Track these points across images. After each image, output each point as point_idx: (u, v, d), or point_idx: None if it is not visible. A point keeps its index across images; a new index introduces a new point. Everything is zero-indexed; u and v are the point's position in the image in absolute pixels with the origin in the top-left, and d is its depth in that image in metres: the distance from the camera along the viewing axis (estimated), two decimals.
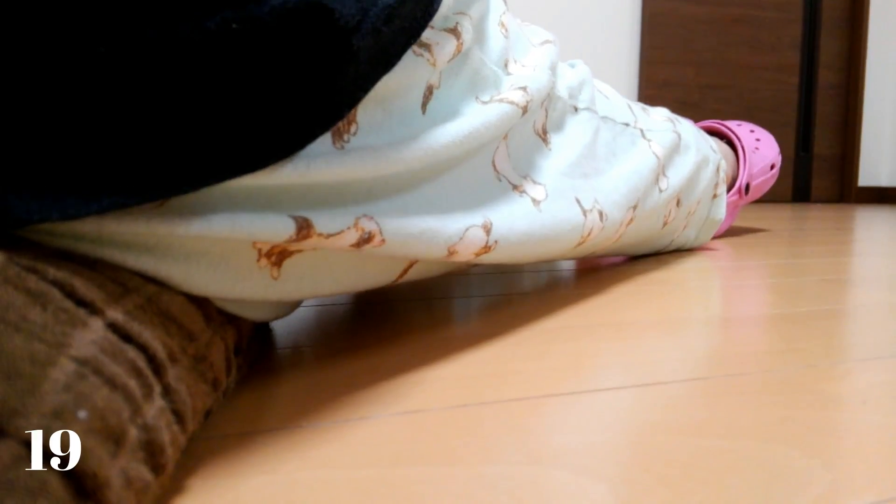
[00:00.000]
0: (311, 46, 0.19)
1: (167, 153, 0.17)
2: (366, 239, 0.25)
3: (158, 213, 0.19)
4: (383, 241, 0.25)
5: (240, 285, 0.23)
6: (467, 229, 0.30)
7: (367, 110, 0.25)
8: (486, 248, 0.32)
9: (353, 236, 0.24)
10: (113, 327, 0.16)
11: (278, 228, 0.21)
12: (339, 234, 0.23)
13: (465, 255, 0.30)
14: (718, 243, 0.85)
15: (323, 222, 0.23)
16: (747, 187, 0.87)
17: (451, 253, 0.29)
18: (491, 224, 0.31)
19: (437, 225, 0.28)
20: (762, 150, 0.90)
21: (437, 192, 0.29)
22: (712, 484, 0.19)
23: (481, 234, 0.31)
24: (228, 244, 0.22)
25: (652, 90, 2.32)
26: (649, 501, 0.18)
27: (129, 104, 0.17)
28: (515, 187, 0.35)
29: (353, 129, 0.24)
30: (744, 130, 0.91)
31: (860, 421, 0.24)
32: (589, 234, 0.41)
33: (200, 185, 0.18)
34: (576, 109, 0.44)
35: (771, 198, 2.54)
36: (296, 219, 0.22)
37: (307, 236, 0.22)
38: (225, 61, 0.18)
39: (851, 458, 0.21)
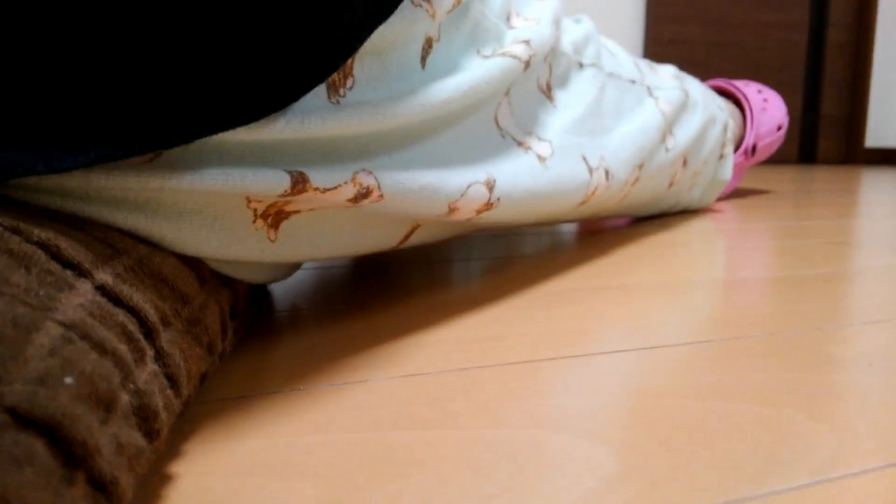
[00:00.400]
0: None
1: (157, 104, 0.17)
2: (363, 194, 0.24)
3: (149, 167, 0.18)
4: (381, 196, 0.25)
5: (235, 246, 0.22)
6: (469, 185, 0.29)
7: (364, 63, 0.24)
8: (489, 206, 0.31)
9: (350, 191, 0.23)
10: (102, 290, 0.16)
11: (272, 182, 0.21)
12: (335, 188, 0.23)
13: (466, 212, 0.30)
14: (723, 205, 0.84)
15: (319, 177, 0.22)
16: (754, 148, 0.85)
17: (451, 210, 0.29)
18: (494, 180, 0.31)
19: (438, 180, 0.27)
20: (769, 110, 0.89)
21: (438, 148, 0.28)
22: (716, 448, 0.19)
23: (483, 190, 0.30)
24: (222, 202, 0.21)
25: (658, 48, 2.28)
26: (652, 465, 0.18)
27: (117, 53, 0.16)
28: (520, 143, 0.34)
29: (349, 83, 0.23)
30: (751, 90, 0.90)
31: (866, 384, 0.24)
32: (594, 193, 0.41)
33: (192, 138, 0.18)
34: (581, 65, 0.43)
35: (776, 159, 2.52)
36: (291, 173, 0.21)
37: (303, 190, 0.22)
38: (214, 7, 0.17)
39: (857, 422, 0.21)
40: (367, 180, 0.24)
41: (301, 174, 0.21)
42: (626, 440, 0.20)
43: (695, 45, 2.32)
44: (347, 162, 0.24)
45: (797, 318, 0.32)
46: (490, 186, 0.30)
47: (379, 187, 0.24)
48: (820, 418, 0.21)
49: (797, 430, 0.20)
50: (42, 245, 0.15)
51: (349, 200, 0.24)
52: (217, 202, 0.21)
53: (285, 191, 0.21)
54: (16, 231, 0.15)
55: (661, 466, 0.18)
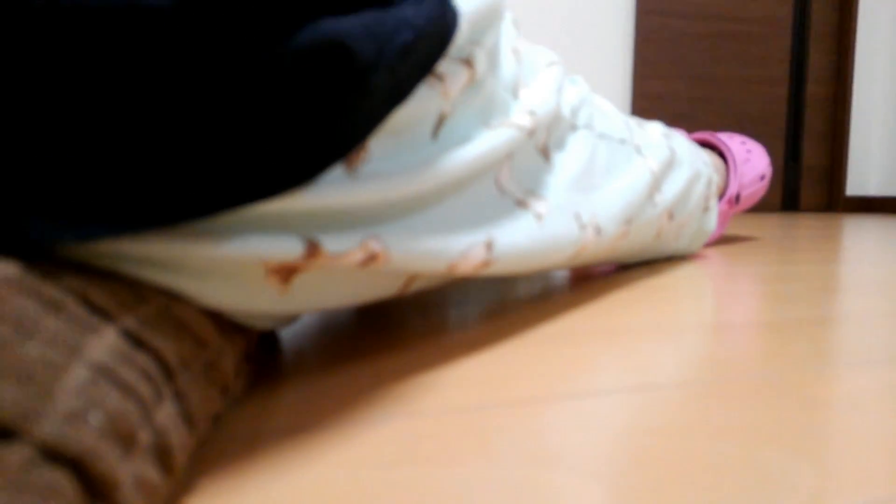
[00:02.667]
0: (329, 84, 0.19)
1: (183, 180, 0.17)
2: (371, 258, 0.25)
3: (171, 236, 0.19)
4: (389, 260, 0.25)
5: (249, 301, 0.23)
6: (469, 247, 0.30)
7: (380, 140, 0.25)
8: (486, 264, 0.32)
9: (359, 256, 0.24)
10: (126, 334, 0.16)
11: (288, 249, 0.21)
12: (346, 254, 0.24)
13: (464, 270, 0.31)
14: (709, 251, 0.85)
15: (330, 243, 0.23)
16: (738, 197, 0.87)
17: (452, 269, 0.29)
18: (493, 241, 0.31)
19: (441, 244, 0.28)
20: (752, 161, 0.90)
21: (443, 213, 0.29)
22: (704, 485, 0.19)
23: (482, 250, 0.31)
24: (239, 263, 0.22)
25: (645, 103, 2.33)
26: (643, 502, 0.18)
27: (149, 134, 0.17)
28: (519, 202, 0.35)
29: (365, 156, 0.24)
30: (735, 142, 0.92)
31: (849, 425, 0.24)
32: (584, 248, 0.42)
33: (214, 212, 0.18)
34: (574, 127, 0.44)
35: (761, 207, 2.54)
36: (304, 240, 0.22)
37: (315, 256, 0.23)
38: (243, 100, 0.18)
39: (840, 461, 0.21)
40: (375, 246, 0.25)
41: (313, 243, 0.22)
42: (619, 477, 0.20)
43: (680, 99, 2.38)
44: (358, 228, 0.24)
45: (782, 361, 0.33)
46: (489, 246, 0.31)
47: (386, 252, 0.25)
48: (803, 457, 0.21)
49: (782, 468, 0.21)
50: (72, 292, 0.16)
51: (358, 264, 0.25)
52: (234, 262, 0.22)
53: (299, 257, 0.22)
54: (48, 279, 0.16)
55: (653, 502, 0.18)
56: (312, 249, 0.22)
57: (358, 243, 0.24)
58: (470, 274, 0.32)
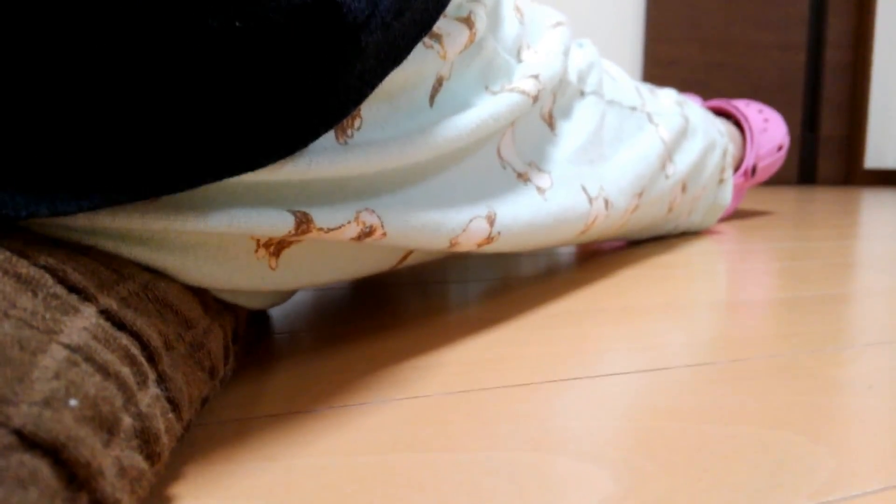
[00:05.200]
0: (318, 43, 0.19)
1: (163, 149, 0.17)
2: (367, 233, 0.24)
3: (153, 209, 0.19)
4: (384, 234, 0.25)
5: (237, 276, 0.22)
6: (470, 221, 0.29)
7: (373, 105, 0.24)
8: (489, 239, 0.31)
9: (353, 230, 0.24)
10: (106, 314, 0.16)
11: (277, 223, 0.21)
12: (339, 228, 0.23)
13: (467, 246, 0.30)
14: (724, 226, 0.85)
15: (322, 217, 0.22)
16: (754, 169, 0.86)
17: (453, 245, 0.29)
18: (495, 214, 0.31)
19: (440, 217, 0.27)
20: (770, 130, 0.89)
21: (442, 184, 0.28)
22: (716, 471, 0.19)
23: (484, 225, 0.30)
24: (226, 237, 0.21)
25: (656, 69, 2.30)
26: (652, 488, 0.18)
27: (124, 99, 0.16)
28: (520, 175, 0.34)
29: (357, 123, 0.23)
30: (752, 110, 0.90)
31: (866, 406, 0.24)
32: (594, 222, 0.41)
33: (196, 184, 0.18)
34: (582, 94, 0.43)
35: (776, 180, 2.53)
36: (295, 213, 0.22)
37: (307, 231, 0.22)
38: (227, 59, 0.17)
39: (857, 445, 0.21)
40: (370, 219, 0.24)
41: (305, 214, 0.22)
42: (626, 462, 0.20)
43: (694, 65, 2.35)
44: (351, 201, 0.24)
45: (798, 340, 0.33)
46: (491, 220, 0.31)
47: (382, 226, 0.25)
48: (820, 440, 0.21)
49: (797, 452, 0.21)
50: (49, 270, 0.15)
51: (353, 239, 0.24)
52: (220, 236, 0.21)
53: (289, 231, 0.21)
54: (23, 255, 0.15)
55: (661, 489, 0.18)
56: (303, 223, 0.22)
57: (352, 216, 0.23)
58: (472, 250, 0.32)
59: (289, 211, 0.21)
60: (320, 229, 0.22)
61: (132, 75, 0.16)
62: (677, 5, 2.30)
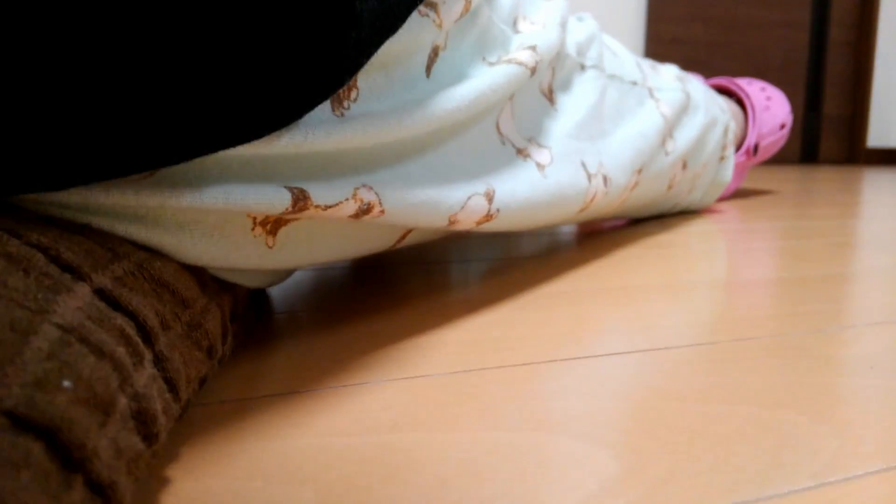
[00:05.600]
0: (312, 11, 0.18)
1: (157, 121, 0.17)
2: (365, 210, 0.24)
3: (148, 185, 0.18)
4: (383, 211, 0.25)
5: (234, 254, 0.22)
6: (469, 198, 0.29)
7: (369, 75, 0.24)
8: (488, 217, 0.31)
9: (351, 207, 0.23)
10: (100, 293, 0.16)
11: (274, 200, 0.21)
12: (336, 205, 0.23)
13: (466, 224, 0.30)
14: (725, 205, 0.84)
15: (320, 193, 0.22)
16: (756, 147, 0.85)
17: (451, 222, 0.29)
18: (494, 191, 0.31)
19: (439, 194, 0.27)
20: (773, 108, 0.89)
21: (440, 160, 0.28)
22: (718, 451, 0.19)
23: (483, 202, 0.30)
24: (222, 214, 0.21)
25: (658, 47, 2.28)
26: (654, 468, 0.18)
27: (117, 70, 0.16)
28: (520, 151, 0.34)
29: (353, 94, 0.23)
30: (754, 88, 0.90)
31: (868, 386, 0.24)
32: (593, 200, 0.41)
33: (192, 157, 0.18)
34: (583, 67, 0.42)
35: (778, 159, 2.52)
36: (292, 190, 0.21)
37: (304, 208, 0.22)
38: (219, 28, 0.17)
39: (859, 425, 0.21)
40: (368, 196, 0.24)
41: (302, 191, 0.21)
42: (627, 443, 0.20)
43: (696, 44, 2.33)
44: (348, 176, 0.23)
45: (799, 320, 0.33)
46: (489, 198, 0.30)
47: (380, 203, 0.24)
48: (822, 421, 0.21)
49: (799, 432, 0.20)
50: (41, 248, 0.15)
51: (351, 216, 0.24)
52: (216, 213, 0.21)
53: (286, 209, 0.21)
54: (15, 234, 0.15)
55: (663, 469, 0.18)
56: (300, 200, 0.21)
57: (349, 193, 0.23)
58: (472, 229, 0.32)
59: (286, 187, 0.21)
60: (318, 206, 0.22)
61: (125, 45, 0.16)
62: None
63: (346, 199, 0.23)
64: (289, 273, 0.31)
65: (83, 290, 0.15)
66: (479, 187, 0.30)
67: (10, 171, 0.15)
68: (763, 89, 0.91)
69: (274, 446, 0.19)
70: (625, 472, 0.18)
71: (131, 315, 0.17)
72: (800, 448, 0.19)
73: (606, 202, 0.44)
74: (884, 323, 0.32)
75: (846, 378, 0.25)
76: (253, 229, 0.23)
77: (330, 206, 0.23)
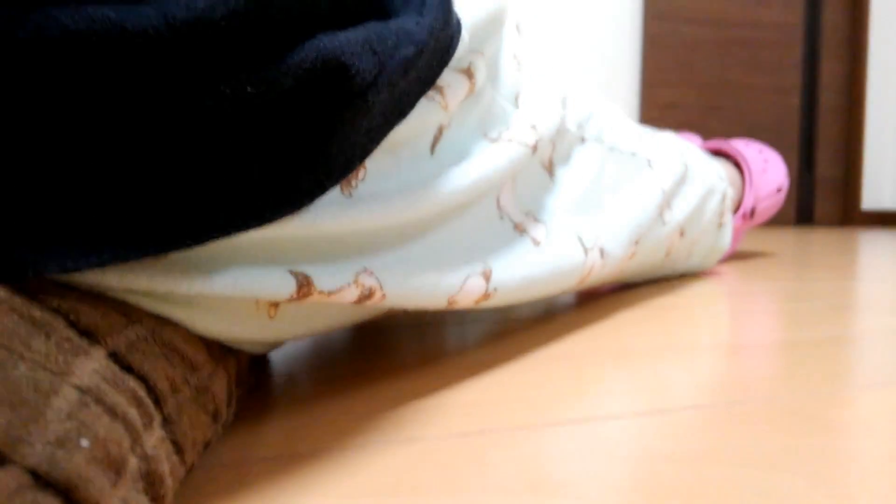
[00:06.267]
0: (327, 103, 0.19)
1: (172, 207, 0.17)
2: (366, 296, 0.25)
3: (160, 269, 0.19)
4: (384, 296, 0.25)
5: (238, 328, 0.23)
6: (467, 277, 0.30)
7: (378, 158, 0.24)
8: (486, 296, 0.31)
9: (353, 293, 0.24)
10: (114, 357, 0.17)
11: (279, 287, 0.21)
12: (339, 291, 0.23)
13: (464, 303, 0.30)
14: (723, 267, 0.85)
15: (323, 278, 0.23)
16: (752, 211, 0.87)
17: (451, 303, 0.29)
18: (490, 271, 0.31)
19: (438, 277, 0.28)
20: (769, 172, 0.90)
21: (442, 241, 0.29)
22: None
23: (480, 281, 0.31)
24: (229, 299, 0.22)
25: (654, 112, 2.35)
26: None
27: (135, 157, 0.17)
28: (517, 226, 0.35)
29: (361, 174, 0.24)
30: (751, 151, 0.91)
31: (865, 449, 0.25)
32: (589, 273, 0.41)
33: (204, 241, 0.18)
34: (583, 140, 0.44)
35: (774, 221, 2.55)
36: (296, 276, 0.22)
37: (307, 294, 0.22)
38: (237, 121, 0.17)
39: (856, 488, 0.21)
40: (369, 282, 0.24)
41: (306, 278, 0.22)
42: None
43: (690, 108, 2.40)
44: (351, 259, 0.24)
45: (797, 383, 0.33)
46: (487, 276, 0.31)
47: (381, 288, 0.25)
48: (818, 484, 0.22)
49: (796, 495, 0.21)
50: (61, 313, 0.16)
51: (353, 302, 0.24)
52: (224, 299, 0.22)
53: (291, 295, 0.22)
54: (37, 299, 0.16)
55: None
56: (304, 286, 0.22)
57: (351, 279, 0.24)
58: (470, 307, 0.32)
59: (290, 272, 0.22)
60: (321, 292, 0.23)
61: (145, 135, 0.16)
62: (673, 50, 2.36)
63: (348, 285, 0.24)
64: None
65: (98, 354, 0.16)
66: (476, 267, 0.30)
67: (30, 252, 0.16)
68: (760, 152, 0.92)
69: None
70: None
71: (143, 378, 0.17)
72: None
73: (604, 274, 0.45)
74: (882, 385, 0.33)
75: (843, 441, 0.25)
76: (257, 309, 0.23)
77: (333, 293, 0.23)
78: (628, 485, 0.21)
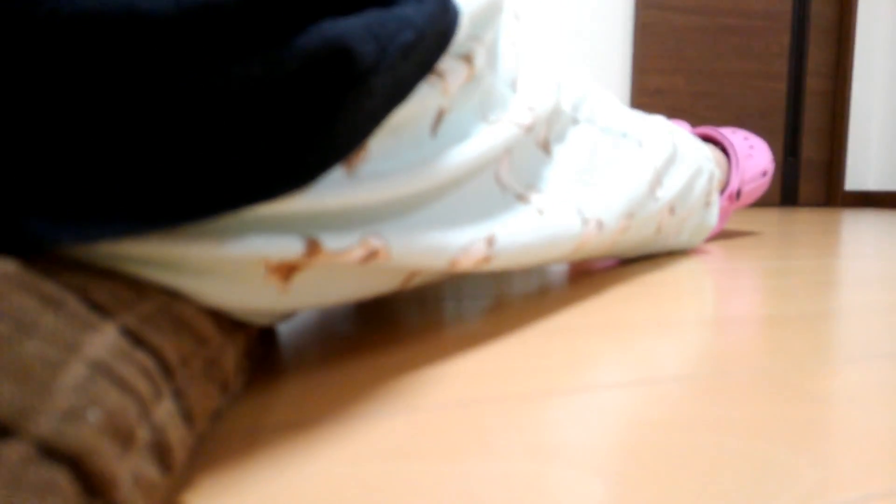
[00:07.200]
0: (331, 86, 0.19)
1: (185, 181, 0.17)
2: (372, 255, 0.25)
3: (171, 237, 0.19)
4: (389, 256, 0.25)
5: (249, 298, 0.23)
6: (470, 241, 0.30)
7: (380, 139, 0.24)
8: (486, 259, 0.32)
9: (359, 253, 0.24)
10: (125, 331, 0.16)
11: (288, 247, 0.21)
12: (345, 251, 0.23)
13: (465, 266, 0.30)
14: (710, 246, 0.85)
15: (330, 241, 0.23)
16: (738, 192, 0.86)
17: (453, 265, 0.29)
18: (494, 236, 0.31)
19: (442, 240, 0.28)
20: (755, 156, 0.90)
21: (443, 209, 0.29)
22: (703, 479, 0.19)
23: (483, 246, 0.31)
24: (240, 262, 0.22)
25: (644, 98, 2.32)
26: (643, 495, 0.18)
27: (149, 133, 0.16)
28: (520, 197, 0.35)
29: (364, 156, 0.24)
30: (738, 137, 0.91)
31: (847, 419, 0.24)
32: (585, 242, 0.41)
33: (215, 214, 0.18)
34: (576, 121, 0.44)
35: (760, 202, 2.54)
36: (304, 239, 0.22)
37: (316, 253, 0.22)
38: (245, 102, 0.18)
39: (838, 455, 0.21)
40: (375, 243, 0.24)
41: (314, 241, 0.22)
42: (618, 471, 0.20)
43: (679, 94, 2.37)
44: (358, 226, 0.24)
45: (782, 355, 0.33)
46: (490, 242, 0.31)
47: (387, 248, 0.25)
48: (802, 451, 0.21)
49: (781, 462, 0.21)
50: (72, 288, 0.16)
51: (360, 261, 0.24)
52: (234, 262, 0.22)
53: (299, 255, 0.22)
54: (48, 275, 0.15)
55: (650, 496, 0.18)
56: (312, 247, 0.22)
57: (358, 240, 0.24)
58: (471, 269, 0.32)
59: (299, 236, 0.22)
60: (328, 253, 0.23)
61: (156, 112, 0.16)
62: (664, 37, 2.33)
63: (355, 246, 0.24)
64: (297, 312, 0.31)
65: (109, 329, 0.16)
66: (480, 233, 0.30)
67: (46, 223, 0.16)
68: (746, 138, 0.92)
69: (283, 474, 0.19)
70: (614, 499, 0.18)
71: (153, 352, 0.17)
72: (781, 477, 0.20)
73: (598, 244, 0.45)
74: (864, 358, 0.32)
75: (826, 411, 0.25)
76: (267, 276, 0.23)
77: (340, 252, 0.23)
78: (620, 451, 0.21)
